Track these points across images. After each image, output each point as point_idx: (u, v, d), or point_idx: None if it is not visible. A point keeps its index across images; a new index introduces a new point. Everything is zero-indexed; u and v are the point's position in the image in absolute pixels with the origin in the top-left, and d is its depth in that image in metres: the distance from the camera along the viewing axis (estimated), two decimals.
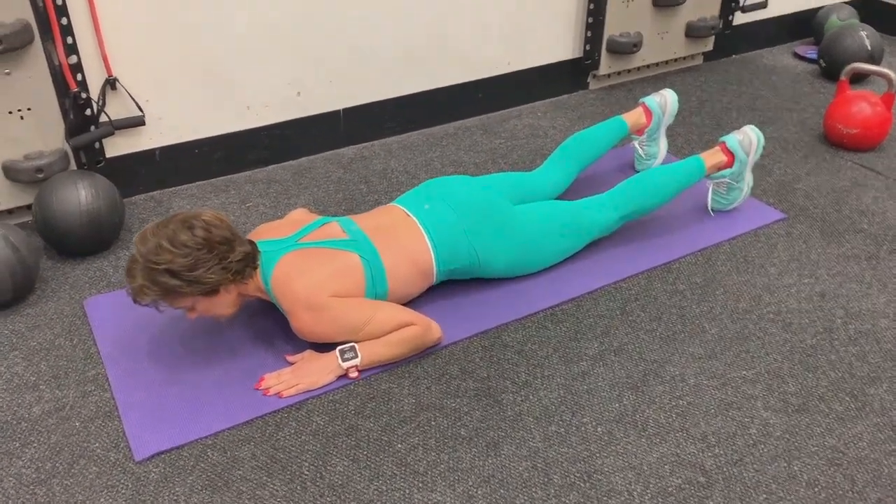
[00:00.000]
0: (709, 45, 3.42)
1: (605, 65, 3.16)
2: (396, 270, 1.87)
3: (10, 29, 2.00)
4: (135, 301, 1.65)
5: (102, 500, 1.50)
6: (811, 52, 3.59)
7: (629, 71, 3.30)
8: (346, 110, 2.74)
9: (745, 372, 1.81)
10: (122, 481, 1.54)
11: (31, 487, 1.52)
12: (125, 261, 2.18)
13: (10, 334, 1.91)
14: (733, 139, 2.23)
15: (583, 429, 1.66)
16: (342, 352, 1.73)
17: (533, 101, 3.15)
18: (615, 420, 1.68)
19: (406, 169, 2.66)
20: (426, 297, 1.99)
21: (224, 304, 1.71)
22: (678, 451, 1.60)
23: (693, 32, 3.29)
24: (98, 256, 2.20)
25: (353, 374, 1.75)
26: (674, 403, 1.72)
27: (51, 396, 1.73)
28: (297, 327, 1.74)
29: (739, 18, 3.48)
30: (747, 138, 2.23)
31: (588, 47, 3.11)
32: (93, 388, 1.76)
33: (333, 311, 1.72)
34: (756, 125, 2.29)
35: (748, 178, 2.29)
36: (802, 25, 3.73)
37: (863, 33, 3.24)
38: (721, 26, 3.36)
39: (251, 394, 1.73)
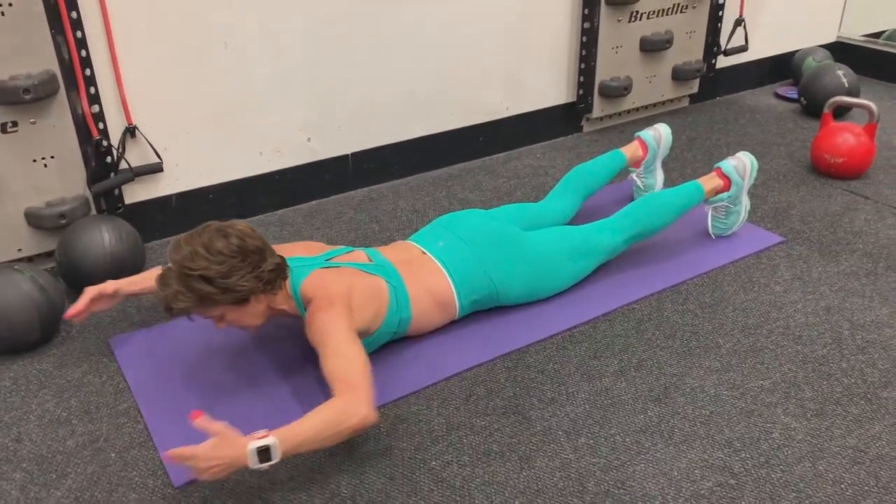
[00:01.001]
0: (694, 87, 3.58)
1: (598, 108, 3.30)
2: (419, 300, 1.93)
3: (38, 79, 2.08)
4: (167, 309, 1.68)
5: None
6: (791, 92, 3.76)
7: (620, 114, 3.44)
8: (354, 154, 2.83)
9: (762, 382, 1.87)
10: None
11: None
12: (149, 301, 2.21)
13: (38, 373, 1.93)
14: (728, 164, 2.34)
15: (611, 440, 1.70)
16: (259, 452, 1.43)
17: (531, 144, 3.26)
18: (642, 430, 1.72)
19: (415, 208, 2.74)
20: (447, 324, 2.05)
21: (253, 314, 1.74)
22: (706, 457, 1.65)
23: (679, 76, 3.45)
24: None
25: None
26: (697, 413, 1.77)
27: (84, 430, 1.75)
28: (308, 321, 1.75)
29: (722, 62, 3.66)
30: (741, 163, 2.34)
31: (581, 92, 3.25)
32: (125, 420, 1.78)
33: (336, 318, 1.71)
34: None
35: (745, 202, 2.39)
36: (781, 68, 3.92)
37: (839, 72, 3.41)
38: (705, 69, 3.53)
39: (285, 419, 1.75)
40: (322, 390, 1.85)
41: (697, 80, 3.56)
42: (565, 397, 1.82)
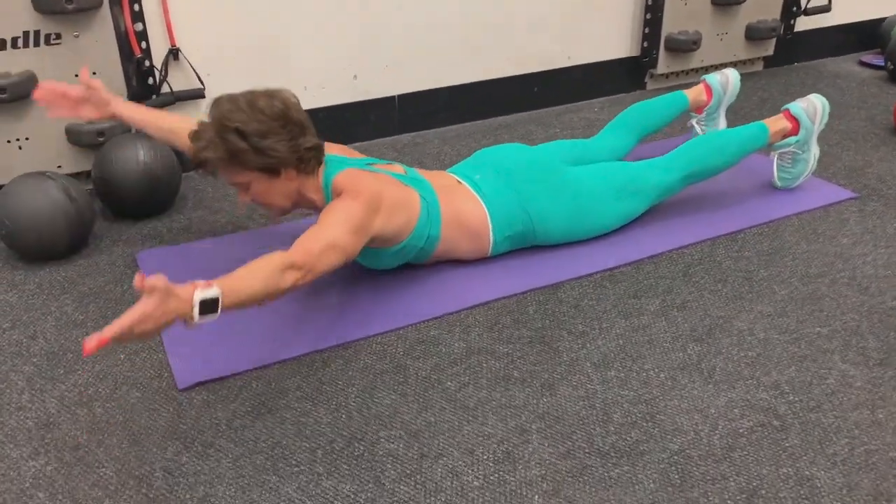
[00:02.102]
0: (769, 48, 3.36)
1: (664, 63, 3.12)
2: (451, 222, 1.82)
3: None
4: (193, 161, 1.62)
5: (143, 421, 1.45)
6: (878, 60, 3.49)
7: (687, 72, 3.25)
8: (401, 97, 2.75)
9: (819, 329, 1.69)
10: (163, 405, 1.49)
11: (73, 408, 1.49)
12: (180, 223, 2.18)
13: (63, 280, 1.91)
14: (797, 106, 2.15)
15: (644, 374, 1.56)
16: (203, 304, 1.29)
17: (589, 98, 3.11)
18: (679, 367, 1.58)
19: (460, 154, 2.63)
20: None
21: (281, 192, 1.67)
22: (748, 397, 1.49)
23: (754, 34, 3.24)
24: (153, 218, 2.21)
25: (191, 328, 1.33)
26: (742, 354, 1.61)
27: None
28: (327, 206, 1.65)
29: (802, 24, 3.42)
30: (811, 105, 2.15)
31: (646, 44, 3.09)
32: None
33: (353, 207, 1.59)
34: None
35: (814, 149, 2.20)
36: (867, 35, 3.65)
37: None
38: (782, 30, 3.30)
39: (299, 335, 1.68)
40: (340, 312, 1.78)
41: (773, 42, 3.34)
42: (598, 331, 1.69)
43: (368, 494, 1.29)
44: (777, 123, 2.15)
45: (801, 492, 1.28)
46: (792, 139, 2.16)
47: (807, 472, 1.32)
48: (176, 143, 1.89)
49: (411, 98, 2.76)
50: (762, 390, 1.51)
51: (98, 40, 2.17)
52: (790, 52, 3.48)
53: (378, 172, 1.77)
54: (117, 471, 1.34)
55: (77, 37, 2.15)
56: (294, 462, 1.36)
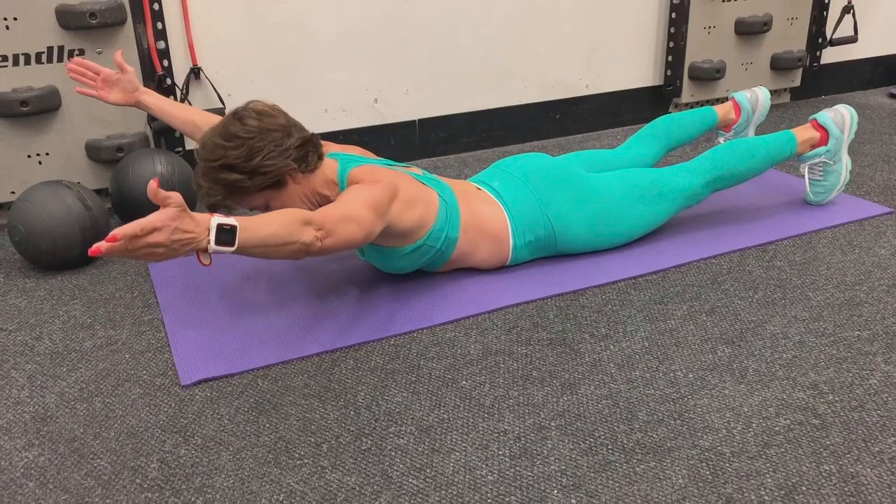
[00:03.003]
0: (796, 80, 3.31)
1: (688, 92, 3.09)
2: (470, 225, 1.77)
3: (106, 6, 2.10)
4: (207, 208, 1.59)
5: (143, 415, 1.39)
6: None
7: (711, 102, 3.21)
8: (422, 121, 2.73)
9: (858, 332, 1.59)
10: (165, 401, 1.43)
11: (72, 403, 1.43)
12: None
13: (73, 287, 1.88)
14: (825, 115, 2.09)
15: (671, 375, 1.47)
16: (221, 231, 1.25)
17: (612, 128, 3.08)
18: (708, 368, 1.48)
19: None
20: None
21: (297, 197, 1.63)
22: (784, 397, 1.39)
23: (779, 65, 3.20)
24: None
25: (205, 262, 1.29)
26: (776, 356, 1.52)
27: (104, 335, 1.67)
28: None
29: (828, 56, 3.38)
30: (839, 115, 2.09)
31: (669, 73, 3.06)
32: (147, 328, 1.69)
33: (371, 189, 1.56)
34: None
35: (846, 160, 2.12)
36: None
37: None
38: (808, 61, 3.27)
39: (308, 336, 1.62)
40: (353, 315, 1.72)
41: (800, 73, 3.30)
42: (621, 334, 1.61)
43: (374, 487, 1.20)
44: (805, 133, 2.08)
45: (846, 489, 1.17)
46: (822, 149, 2.09)
47: (851, 470, 1.21)
48: (195, 134, 1.88)
49: (432, 123, 2.75)
50: (799, 390, 1.41)
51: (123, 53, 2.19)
52: (817, 83, 3.44)
53: (396, 169, 1.73)
54: (112, 462, 1.27)
55: (100, 53, 2.17)
56: (297, 455, 1.28)
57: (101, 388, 1.48)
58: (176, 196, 1.20)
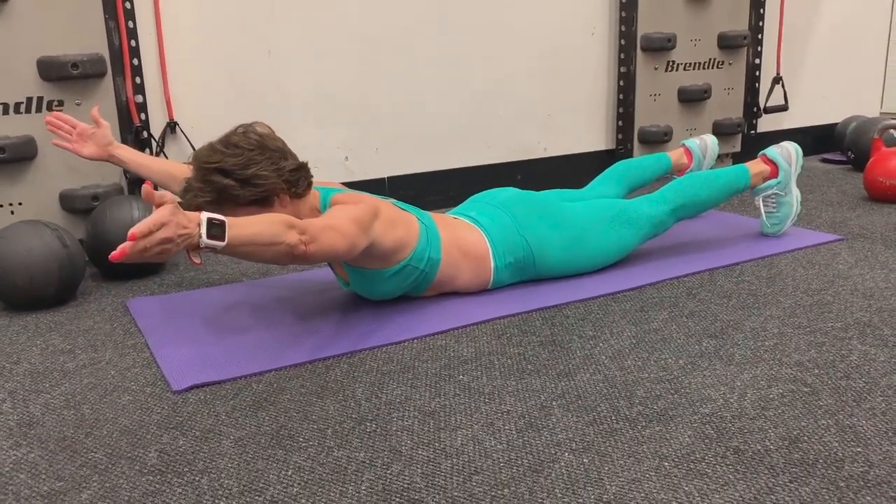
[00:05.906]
0: (737, 145, 3.54)
1: (638, 154, 3.27)
2: (451, 247, 1.82)
3: (88, 57, 2.16)
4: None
5: (136, 416, 1.35)
6: (840, 157, 3.69)
7: None
8: (391, 178, 2.82)
9: (832, 324, 1.66)
10: (157, 405, 1.39)
11: (59, 411, 1.38)
12: (171, 282, 2.14)
13: (50, 322, 1.84)
14: (772, 150, 2.25)
15: (662, 362, 1.50)
16: (210, 225, 1.28)
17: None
18: (697, 356, 1.53)
19: None
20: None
21: None
22: (773, 373, 1.44)
23: (720, 130, 3.43)
24: (144, 279, 2.16)
25: (197, 261, 1.31)
26: (759, 344, 1.57)
27: (86, 357, 1.62)
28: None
29: (765, 125, 3.64)
30: (785, 150, 2.25)
31: (620, 136, 3.24)
32: (131, 350, 1.65)
33: (355, 209, 1.60)
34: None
35: (795, 192, 2.27)
36: (826, 137, 3.88)
37: (887, 122, 3.35)
38: (746, 128, 3.50)
39: (297, 347, 1.61)
40: (339, 329, 1.72)
41: (740, 139, 3.53)
42: (609, 335, 1.65)
43: (385, 460, 1.19)
44: (756, 166, 2.24)
45: (846, 437, 1.20)
46: (773, 181, 2.24)
47: (847, 423, 1.25)
48: (172, 186, 1.91)
49: (400, 180, 2.84)
50: (786, 368, 1.46)
51: (99, 109, 2.24)
52: (757, 149, 3.64)
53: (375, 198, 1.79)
54: (108, 454, 1.23)
55: (79, 104, 2.21)
56: (302, 439, 1.25)
57: (88, 397, 1.43)
58: (169, 195, 1.25)
